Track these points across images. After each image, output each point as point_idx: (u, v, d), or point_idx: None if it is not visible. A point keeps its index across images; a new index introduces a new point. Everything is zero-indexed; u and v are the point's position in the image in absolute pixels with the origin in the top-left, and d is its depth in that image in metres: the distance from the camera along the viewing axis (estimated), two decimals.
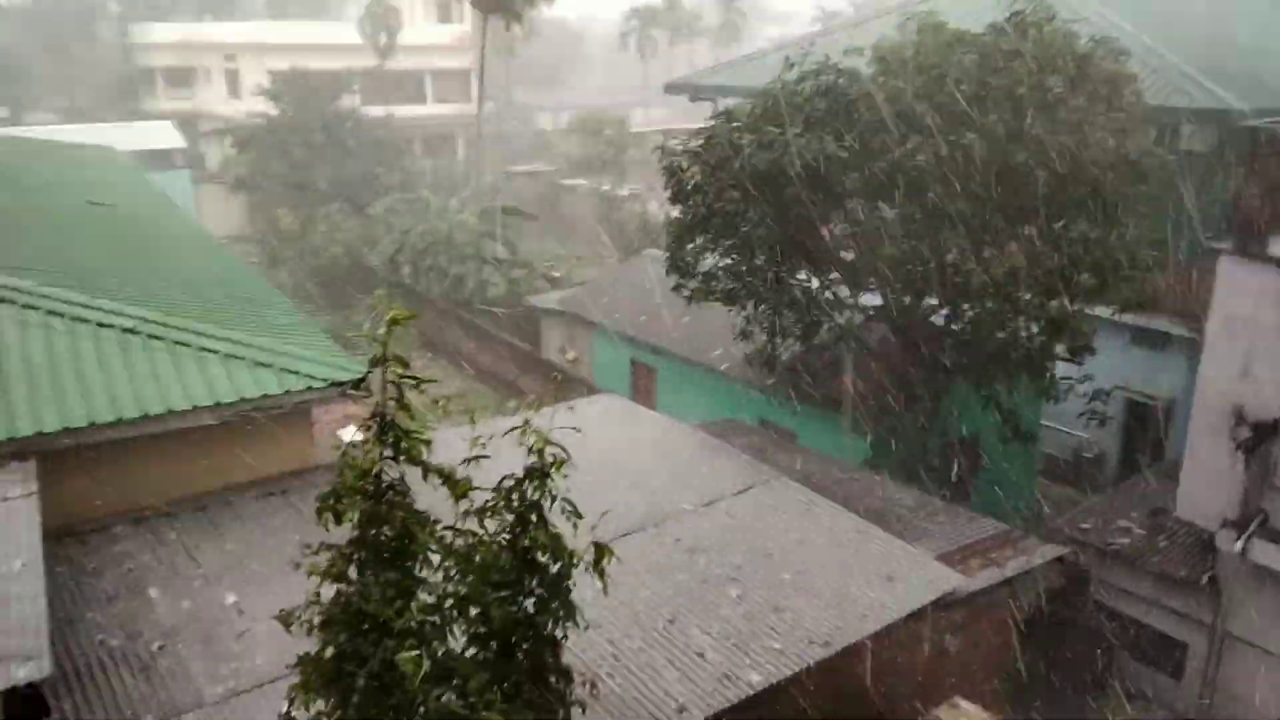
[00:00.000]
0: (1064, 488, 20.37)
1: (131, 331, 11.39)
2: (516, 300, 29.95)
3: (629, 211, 39.78)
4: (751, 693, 9.07)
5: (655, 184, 18.96)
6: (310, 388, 11.37)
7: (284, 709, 5.17)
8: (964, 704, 9.60)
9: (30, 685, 7.02)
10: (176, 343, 11.40)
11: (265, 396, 11.00)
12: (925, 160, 13.43)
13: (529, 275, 31.53)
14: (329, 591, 5.24)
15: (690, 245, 16.83)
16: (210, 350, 11.40)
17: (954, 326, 16.13)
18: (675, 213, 17.08)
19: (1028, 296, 13.79)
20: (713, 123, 16.34)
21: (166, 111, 48.82)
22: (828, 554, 11.30)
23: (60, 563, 9.73)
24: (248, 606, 9.38)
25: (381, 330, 5.18)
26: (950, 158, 13.46)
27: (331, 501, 5.10)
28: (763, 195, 15.07)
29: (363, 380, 11.79)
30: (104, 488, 10.49)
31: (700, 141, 16.20)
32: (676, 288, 17.41)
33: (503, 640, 5.49)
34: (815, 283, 16.78)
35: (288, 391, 11.20)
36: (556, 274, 33.38)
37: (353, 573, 5.24)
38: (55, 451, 9.94)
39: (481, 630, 5.46)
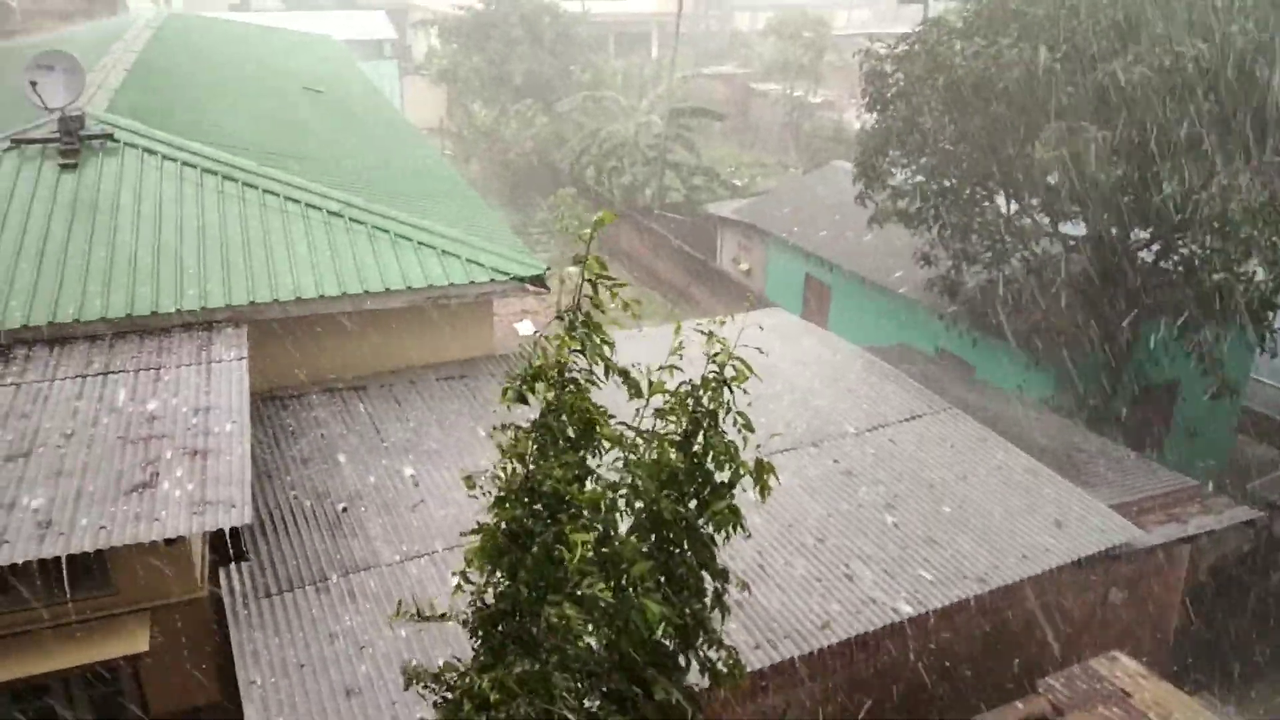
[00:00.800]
0: (1267, 447, 18.71)
1: (337, 215, 12.14)
2: (695, 207, 29.78)
3: (820, 120, 38.44)
4: (897, 619, 9.02)
5: (852, 91, 18.18)
6: (493, 280, 11.82)
7: (459, 570, 5.55)
8: (1123, 659, 9.18)
9: (233, 530, 7.85)
10: (376, 228, 12.06)
11: (451, 285, 11.54)
12: (1145, 73, 12.19)
13: (709, 182, 31.21)
14: (509, 468, 5.54)
15: (882, 159, 16.15)
16: (405, 238, 12.01)
17: (1163, 264, 14.87)
18: (871, 122, 16.38)
19: (1254, 234, 12.43)
20: (921, 28, 15.44)
21: (379, 1, 50.61)
22: (993, 492, 10.92)
23: (263, 423, 10.73)
24: (423, 480, 10.07)
25: (586, 230, 5.35)
26: (1177, 71, 12.16)
27: (520, 384, 5.36)
28: (968, 110, 14.19)
29: (542, 277, 12.16)
30: (303, 358, 11.39)
31: (907, 47, 15.36)
32: (860, 199, 16.81)
33: (664, 535, 5.70)
34: (1013, 207, 15.80)
35: (472, 282, 11.70)
36: (738, 182, 32.89)
37: (531, 454, 5.51)
38: (264, 321, 10.85)
39: (646, 523, 5.68)
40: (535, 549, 5.25)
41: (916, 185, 16.02)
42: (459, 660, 5.61)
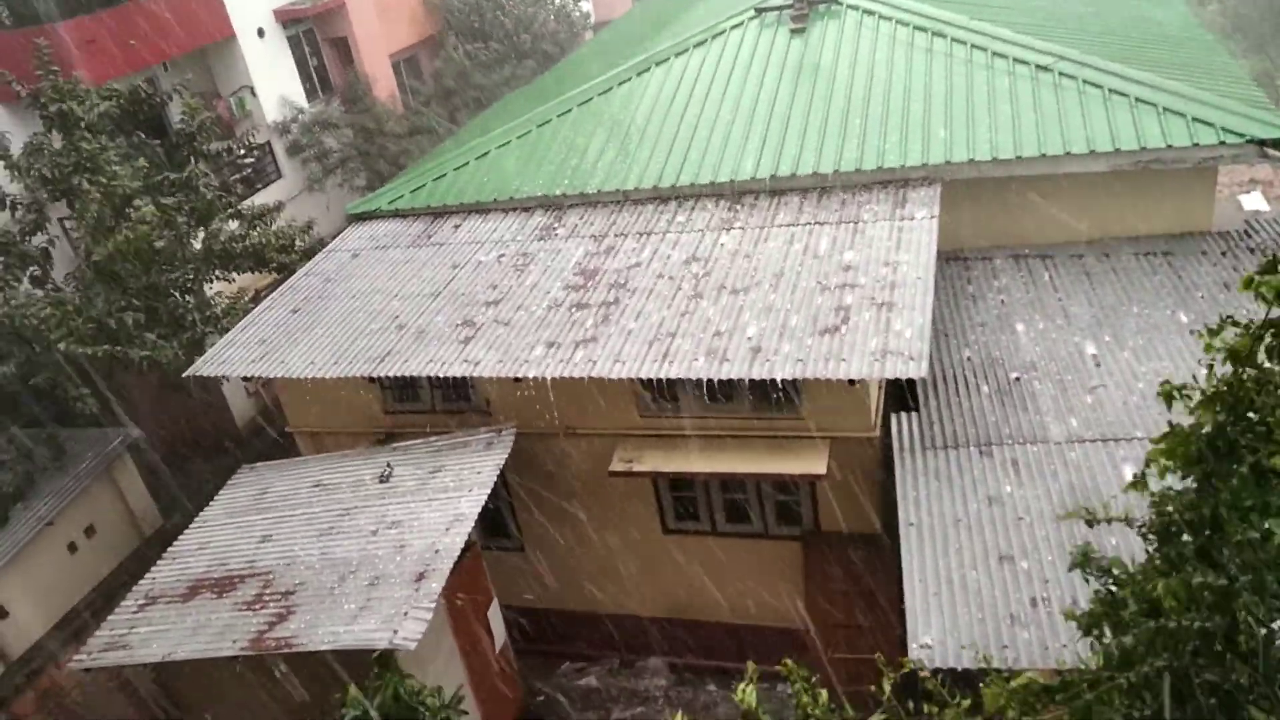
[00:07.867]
0: None
1: (1045, 69, 11.40)
2: None
3: None
4: None
5: None
6: (1222, 142, 10.10)
7: (1140, 471, 5.12)
8: None
9: (908, 381, 8.26)
10: (1086, 82, 11.08)
11: (1168, 148, 10.16)
12: None
13: None
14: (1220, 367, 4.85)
15: None
16: (1120, 93, 10.83)
17: None
18: None
19: None
20: None
21: None
22: None
23: (946, 283, 10.90)
24: (1105, 362, 9.35)
25: None
26: None
27: (1266, 275, 4.59)
28: None
29: None
30: (991, 221, 11.19)
31: None
32: None
33: None
34: None
35: (1194, 144, 10.14)
36: None
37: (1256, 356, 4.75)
38: (956, 181, 10.84)
39: None
40: (1244, 468, 4.52)
41: None
42: (1129, 563, 5.23)
